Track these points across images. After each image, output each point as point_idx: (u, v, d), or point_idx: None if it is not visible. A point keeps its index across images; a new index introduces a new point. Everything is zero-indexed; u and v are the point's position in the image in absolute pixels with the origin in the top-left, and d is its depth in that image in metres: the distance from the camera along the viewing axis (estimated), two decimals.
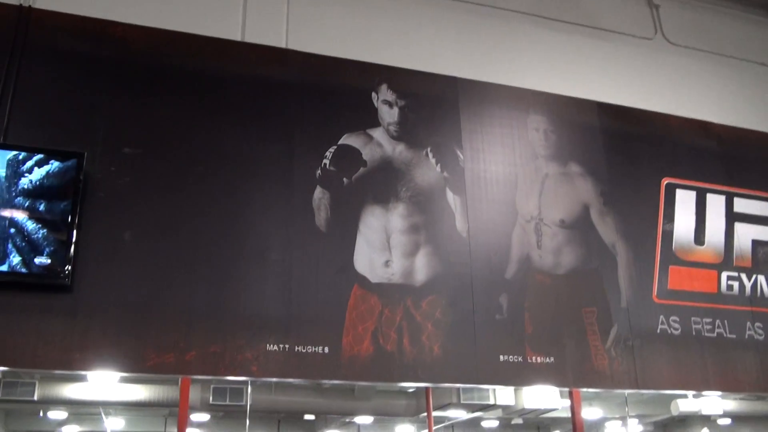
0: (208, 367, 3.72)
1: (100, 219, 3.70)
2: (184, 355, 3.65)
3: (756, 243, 5.19)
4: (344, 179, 4.23)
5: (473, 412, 15.91)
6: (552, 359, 4.22)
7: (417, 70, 4.70)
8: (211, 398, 12.56)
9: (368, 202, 4.23)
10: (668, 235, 4.88)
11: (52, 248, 3.49)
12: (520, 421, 16.75)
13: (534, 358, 4.19)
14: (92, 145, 3.80)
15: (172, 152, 3.98)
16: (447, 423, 17.80)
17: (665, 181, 5.03)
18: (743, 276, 5.04)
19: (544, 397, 13.80)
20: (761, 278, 5.10)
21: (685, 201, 5.04)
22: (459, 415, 15.69)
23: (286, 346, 3.80)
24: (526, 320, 4.28)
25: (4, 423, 15.28)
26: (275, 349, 3.77)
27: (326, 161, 4.23)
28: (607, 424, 18.23)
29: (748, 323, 4.91)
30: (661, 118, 5.22)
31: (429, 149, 4.48)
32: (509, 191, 4.56)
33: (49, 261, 3.47)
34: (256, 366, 3.74)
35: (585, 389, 4.34)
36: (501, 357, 4.13)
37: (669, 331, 4.60)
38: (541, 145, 4.78)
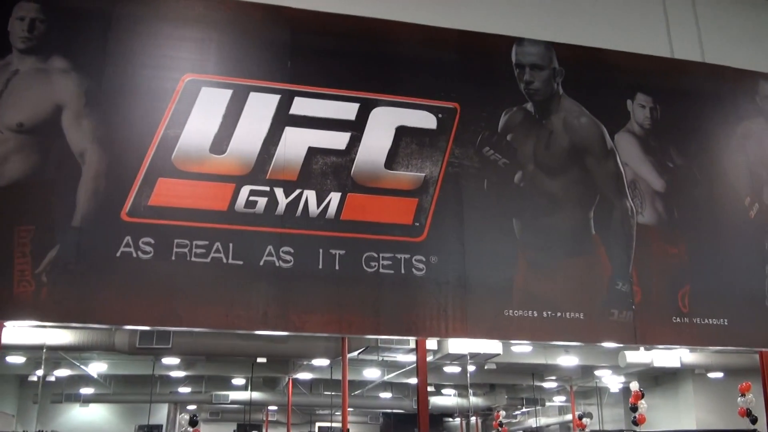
0: None
1: None
2: None
3: (313, 151, 4.28)
4: None
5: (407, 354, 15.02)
6: None
7: None
8: (138, 342, 12.77)
9: None
10: (169, 141, 4.13)
11: None
12: (493, 366, 15.75)
13: None
14: None
15: None
16: (405, 369, 16.59)
17: (186, 78, 4.22)
18: (279, 191, 4.20)
19: (466, 343, 12.80)
20: (309, 194, 4.23)
21: (211, 101, 4.21)
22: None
23: None
24: None
25: None
26: None
27: None
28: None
29: (271, 247, 4.13)
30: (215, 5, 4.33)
31: None
32: None
33: None
34: None
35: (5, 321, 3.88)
36: None
37: (135, 255, 3.96)
38: (21, 37, 4.15)
